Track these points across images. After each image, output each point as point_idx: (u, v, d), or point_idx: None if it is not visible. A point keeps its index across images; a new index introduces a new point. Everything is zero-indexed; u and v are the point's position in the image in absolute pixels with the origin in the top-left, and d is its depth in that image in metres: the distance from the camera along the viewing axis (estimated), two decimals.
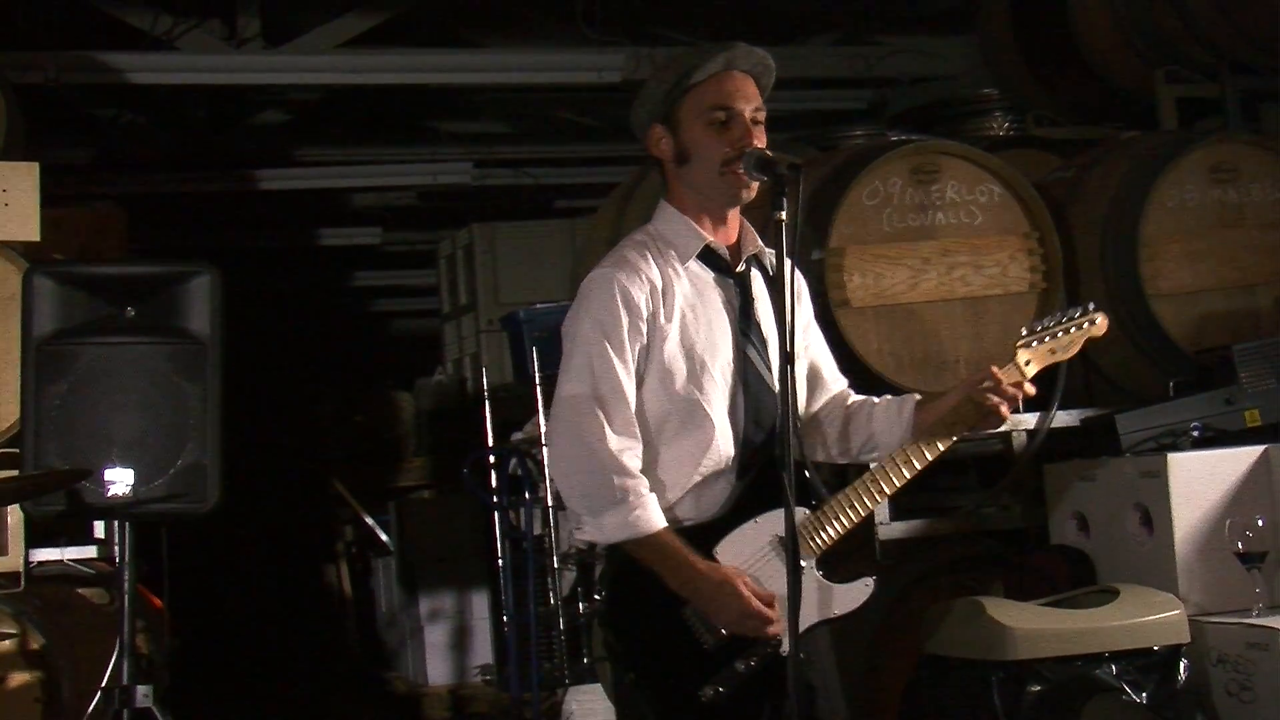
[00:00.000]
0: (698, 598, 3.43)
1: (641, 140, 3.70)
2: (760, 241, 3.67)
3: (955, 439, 3.66)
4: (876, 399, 3.81)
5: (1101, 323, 3.85)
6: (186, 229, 11.61)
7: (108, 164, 9.91)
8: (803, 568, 3.46)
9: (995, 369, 3.66)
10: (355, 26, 8.43)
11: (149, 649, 5.52)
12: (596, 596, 6.89)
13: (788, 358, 3.32)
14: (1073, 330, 3.80)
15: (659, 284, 3.55)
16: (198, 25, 8.32)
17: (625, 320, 3.51)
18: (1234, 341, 5.29)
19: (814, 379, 3.83)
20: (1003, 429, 5.34)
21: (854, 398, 3.86)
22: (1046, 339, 3.76)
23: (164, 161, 10.23)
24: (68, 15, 8.07)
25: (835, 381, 3.89)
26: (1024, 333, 3.76)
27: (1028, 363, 3.72)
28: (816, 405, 3.83)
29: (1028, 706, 4.45)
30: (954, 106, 8.24)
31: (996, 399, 3.61)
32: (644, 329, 3.53)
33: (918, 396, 3.77)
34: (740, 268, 3.65)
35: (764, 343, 3.63)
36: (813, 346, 3.85)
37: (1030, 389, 3.71)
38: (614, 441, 3.46)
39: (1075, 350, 3.84)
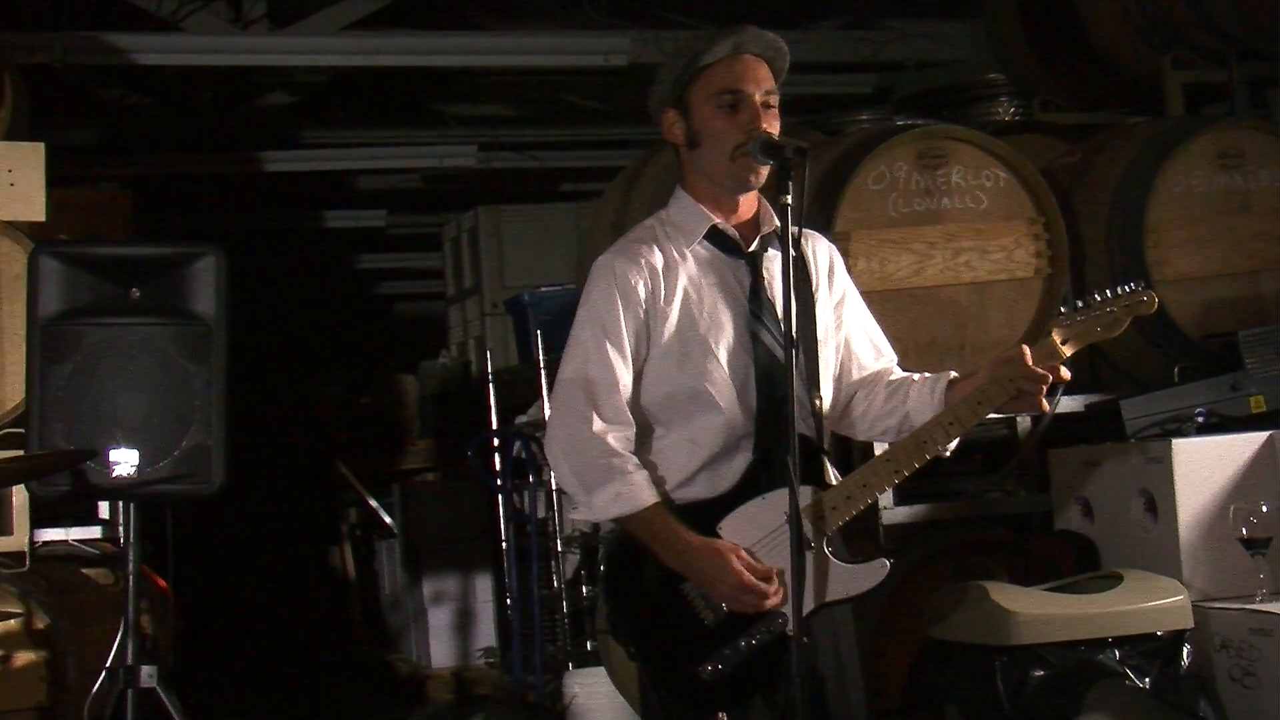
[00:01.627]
0: (690, 572, 3.44)
1: (657, 125, 3.70)
2: (777, 221, 3.66)
3: (979, 419, 3.58)
4: (915, 376, 3.74)
5: (1152, 300, 3.68)
6: (191, 210, 11.61)
7: (113, 145, 9.91)
8: (813, 547, 3.46)
9: (1026, 347, 3.57)
10: (361, 8, 8.42)
11: (153, 629, 5.53)
12: (592, 578, 6.91)
13: (791, 342, 3.33)
14: (1120, 308, 3.64)
15: (660, 267, 3.56)
16: (203, 6, 8.31)
17: (620, 305, 3.54)
18: (1240, 328, 5.30)
19: (846, 357, 3.78)
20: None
21: (895, 375, 3.79)
22: (1089, 316, 3.62)
23: (169, 143, 10.23)
24: None
25: (874, 359, 3.81)
26: (1062, 310, 3.68)
27: (1065, 342, 3.59)
28: (853, 379, 3.79)
29: (1031, 691, 4.46)
30: (960, 91, 8.23)
31: (1031, 386, 3.54)
32: (641, 314, 3.55)
33: (953, 374, 3.68)
34: (753, 247, 3.64)
35: (778, 323, 3.62)
36: (850, 322, 3.80)
37: (1066, 373, 3.58)
38: (599, 425, 3.50)
39: (1120, 330, 3.67)
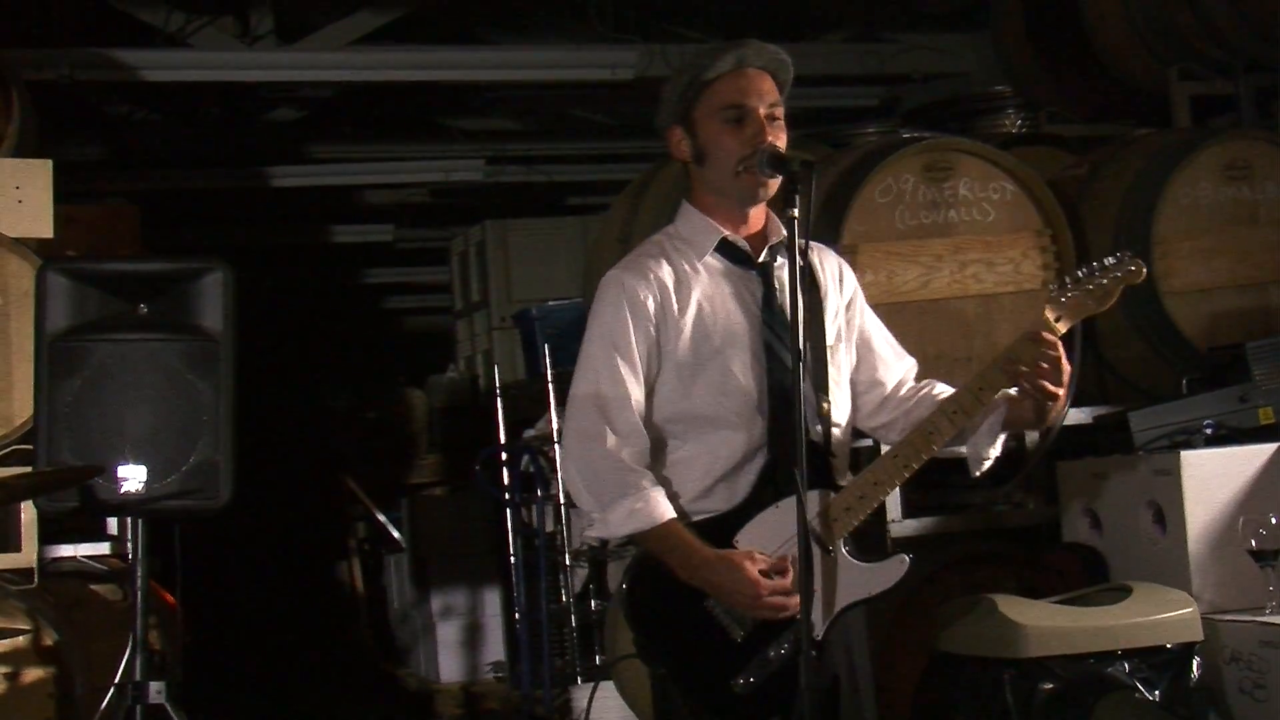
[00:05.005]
0: (709, 586, 3.44)
1: (664, 144, 3.70)
2: (785, 231, 3.66)
3: (982, 407, 3.57)
4: (939, 386, 3.77)
5: (1140, 269, 3.67)
6: (199, 226, 11.63)
7: (121, 161, 9.94)
8: (830, 551, 3.46)
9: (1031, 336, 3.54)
10: (368, 23, 8.44)
11: (162, 645, 5.52)
12: (599, 594, 6.92)
13: (797, 354, 3.32)
14: (1109, 279, 3.63)
15: (671, 283, 3.56)
16: (211, 22, 8.33)
17: (631, 322, 3.55)
18: (1247, 339, 5.28)
19: (871, 358, 3.80)
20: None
21: (940, 388, 3.78)
22: (1078, 290, 3.61)
23: (177, 158, 10.26)
24: (81, 12, 8.08)
25: (897, 358, 3.84)
26: (1051, 288, 3.64)
27: (1058, 319, 3.58)
28: (889, 382, 3.80)
29: (1040, 704, 4.45)
30: (967, 104, 8.24)
31: (1031, 361, 3.50)
32: (652, 330, 3.56)
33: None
34: (763, 258, 3.64)
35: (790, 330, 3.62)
36: (867, 325, 3.83)
37: (1065, 364, 3.56)
38: (613, 441, 3.50)
39: (1111, 302, 3.66)
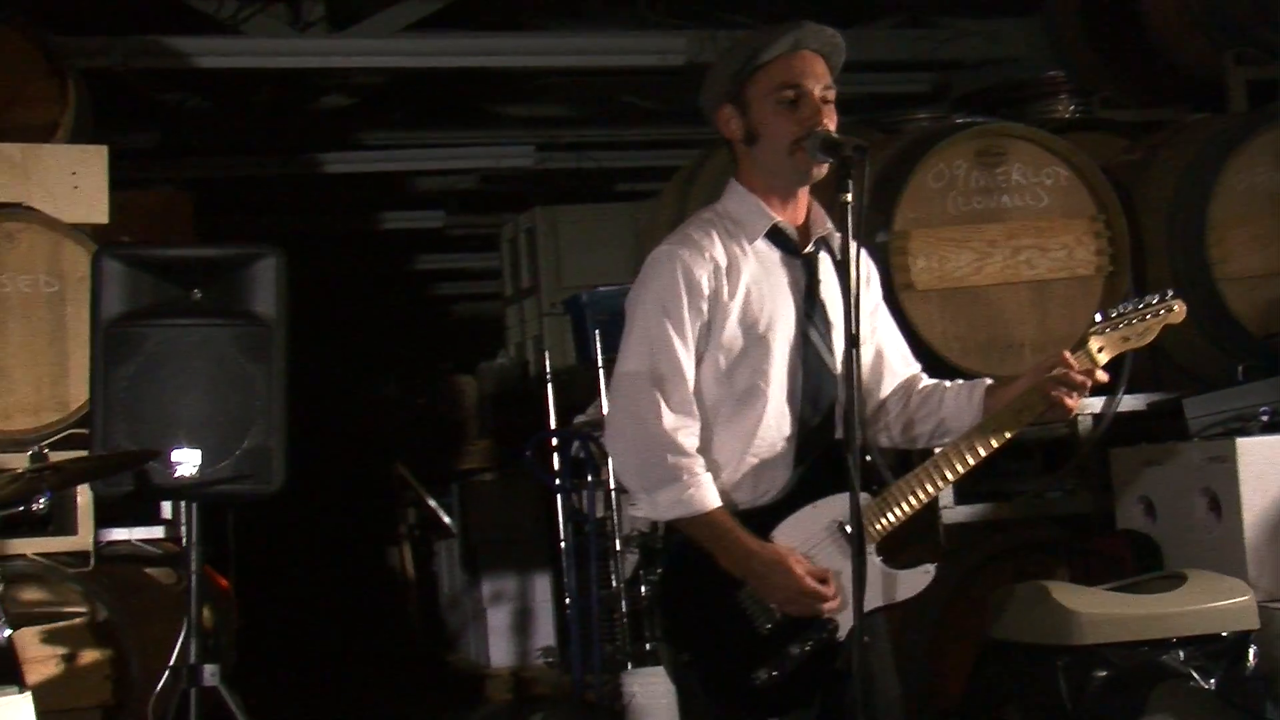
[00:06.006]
0: (751, 576, 3.43)
1: (711, 121, 3.68)
2: (829, 224, 3.65)
3: (1021, 427, 3.59)
4: (948, 383, 3.75)
5: (1180, 310, 3.70)
6: (251, 213, 11.69)
7: (174, 148, 9.99)
8: (861, 553, 3.45)
9: (1066, 354, 3.59)
10: (419, 10, 8.45)
11: (215, 628, 5.57)
12: (651, 578, 6.91)
13: (853, 340, 3.30)
14: (1149, 317, 3.67)
15: (723, 262, 3.54)
16: (263, 9, 8.36)
17: (686, 298, 3.50)
18: None
19: (880, 364, 3.78)
20: None
21: (925, 382, 3.79)
22: (1121, 325, 3.65)
23: (229, 145, 10.31)
24: (135, 1, 8.13)
25: (905, 366, 3.82)
26: (1097, 319, 3.67)
27: (1100, 350, 3.63)
28: (884, 391, 3.78)
29: (1093, 692, 4.43)
30: (1019, 89, 8.18)
31: (1064, 390, 3.54)
32: (705, 307, 3.52)
33: (989, 381, 3.69)
34: (808, 249, 3.63)
35: (828, 325, 3.61)
36: (880, 331, 3.80)
37: (1103, 376, 3.62)
38: (670, 420, 3.46)
39: (1151, 338, 3.71)
